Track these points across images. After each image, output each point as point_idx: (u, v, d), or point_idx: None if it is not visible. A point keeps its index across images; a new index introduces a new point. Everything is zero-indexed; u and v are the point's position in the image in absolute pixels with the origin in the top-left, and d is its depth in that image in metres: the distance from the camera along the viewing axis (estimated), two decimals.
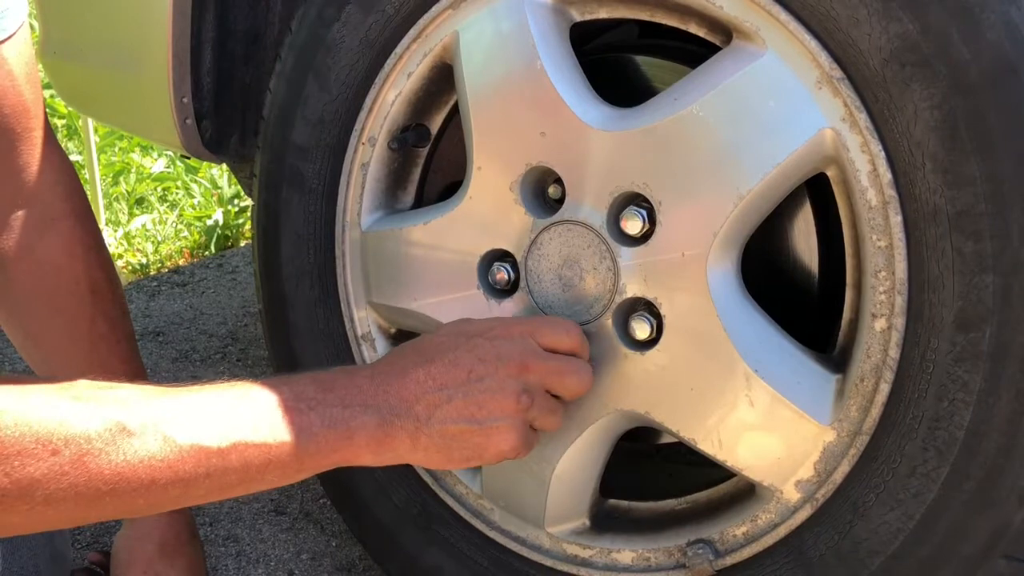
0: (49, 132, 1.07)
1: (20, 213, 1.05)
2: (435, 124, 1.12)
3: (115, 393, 0.73)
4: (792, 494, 0.90)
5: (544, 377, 0.88)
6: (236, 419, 0.76)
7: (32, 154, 1.04)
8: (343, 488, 1.19)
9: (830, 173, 0.87)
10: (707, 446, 0.92)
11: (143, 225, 2.57)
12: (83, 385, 0.73)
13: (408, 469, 1.14)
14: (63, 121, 3.17)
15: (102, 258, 1.11)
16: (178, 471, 0.72)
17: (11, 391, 0.68)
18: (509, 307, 1.02)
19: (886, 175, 0.81)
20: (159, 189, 2.86)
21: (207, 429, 0.74)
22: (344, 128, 1.11)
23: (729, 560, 0.94)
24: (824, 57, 0.82)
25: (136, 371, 1.13)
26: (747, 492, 0.95)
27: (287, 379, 0.81)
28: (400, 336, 1.16)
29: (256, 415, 0.77)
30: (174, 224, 2.60)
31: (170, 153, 2.92)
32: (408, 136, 1.11)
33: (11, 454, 0.66)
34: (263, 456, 0.76)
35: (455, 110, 1.10)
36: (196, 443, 0.73)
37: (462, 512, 1.11)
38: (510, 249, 1.01)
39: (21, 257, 1.06)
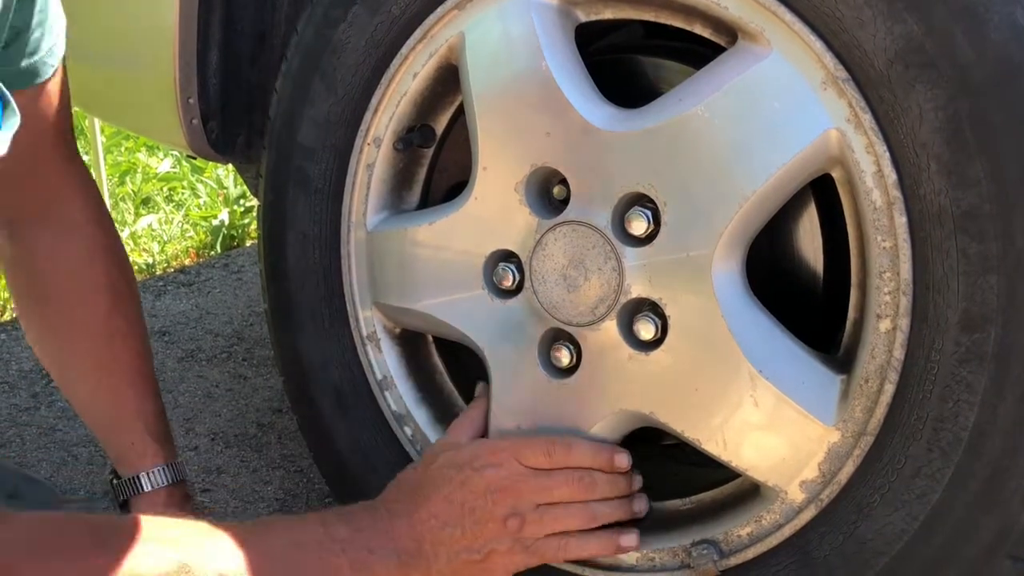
0: (73, 145, 1.11)
1: (44, 221, 1.09)
2: (440, 124, 1.12)
3: (175, 533, 0.82)
4: (797, 494, 0.90)
5: (533, 495, 0.94)
6: (285, 564, 0.87)
7: (57, 167, 1.08)
8: (350, 489, 1.19)
9: (835, 174, 0.87)
10: (712, 447, 0.92)
11: (149, 225, 2.58)
12: (151, 526, 0.81)
13: None
14: None
15: (120, 260, 1.15)
16: None
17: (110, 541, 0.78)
18: (514, 307, 1.02)
19: (891, 176, 0.81)
20: (165, 189, 2.87)
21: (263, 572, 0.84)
22: (350, 129, 1.12)
23: (734, 560, 0.94)
24: (829, 58, 0.82)
25: (145, 369, 1.14)
26: (751, 492, 0.95)
27: (322, 519, 0.91)
28: (405, 336, 1.16)
29: (300, 558, 0.88)
30: (180, 224, 2.61)
31: (176, 153, 2.93)
32: (413, 136, 1.11)
33: None
34: None
35: (460, 110, 1.10)
36: None
37: None
38: (515, 249, 1.01)
39: (45, 260, 1.10)
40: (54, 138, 1.07)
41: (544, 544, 0.95)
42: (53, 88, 1.04)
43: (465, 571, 0.93)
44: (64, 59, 1.04)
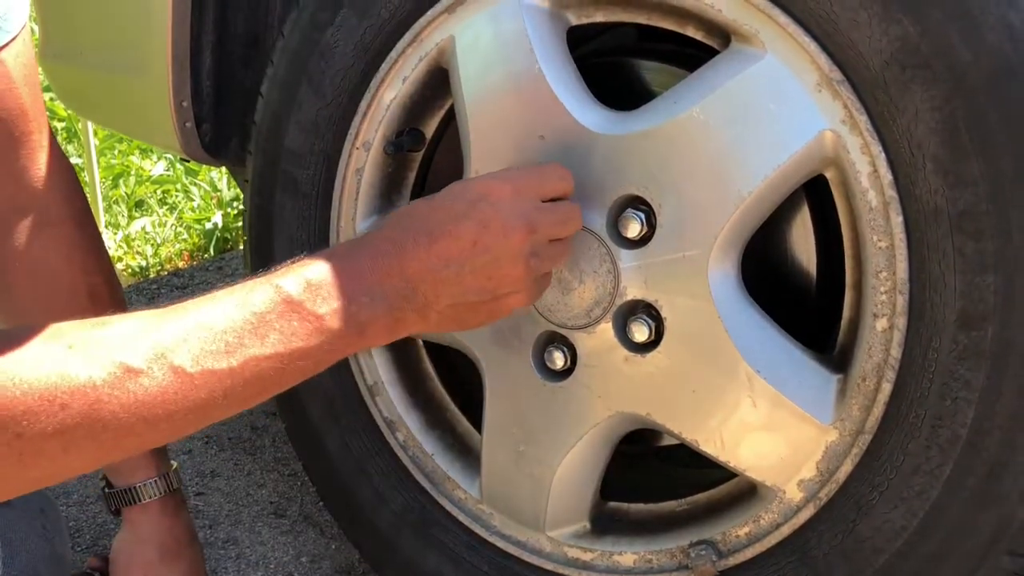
0: (50, 136, 1.05)
1: (18, 217, 1.04)
2: (430, 128, 1.12)
3: (111, 331, 0.70)
4: (795, 494, 0.90)
5: (550, 230, 0.85)
6: (243, 333, 0.72)
7: (30, 158, 1.02)
8: (340, 495, 1.18)
9: (829, 175, 0.87)
10: (710, 447, 0.92)
11: (143, 228, 2.56)
12: (72, 328, 0.69)
13: (406, 476, 1.14)
14: (63, 124, 3.15)
15: (101, 263, 1.10)
16: (194, 399, 0.70)
17: (2, 349, 0.66)
18: None
19: (887, 176, 0.81)
20: (158, 192, 2.85)
21: (215, 351, 0.71)
22: (338, 133, 1.11)
23: (732, 560, 0.95)
24: (823, 59, 0.82)
25: None
26: (749, 492, 0.96)
27: (286, 275, 0.76)
28: (395, 341, 1.15)
29: (263, 325, 0.73)
30: (173, 227, 2.60)
31: (169, 156, 2.91)
32: (403, 140, 1.10)
33: (18, 415, 0.64)
34: (277, 366, 0.73)
35: (450, 114, 1.10)
36: (206, 367, 0.70)
37: (461, 517, 1.11)
38: None
39: (19, 262, 1.04)
40: (18, 120, 1.00)
41: (544, 280, 0.90)
42: (8, 56, 0.97)
43: (471, 312, 0.84)
44: (27, 29, 0.99)
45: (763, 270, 0.98)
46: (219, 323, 0.72)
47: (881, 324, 0.84)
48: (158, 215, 2.69)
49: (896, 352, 0.83)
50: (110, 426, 0.67)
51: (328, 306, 0.76)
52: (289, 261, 0.79)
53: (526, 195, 0.84)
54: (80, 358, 0.67)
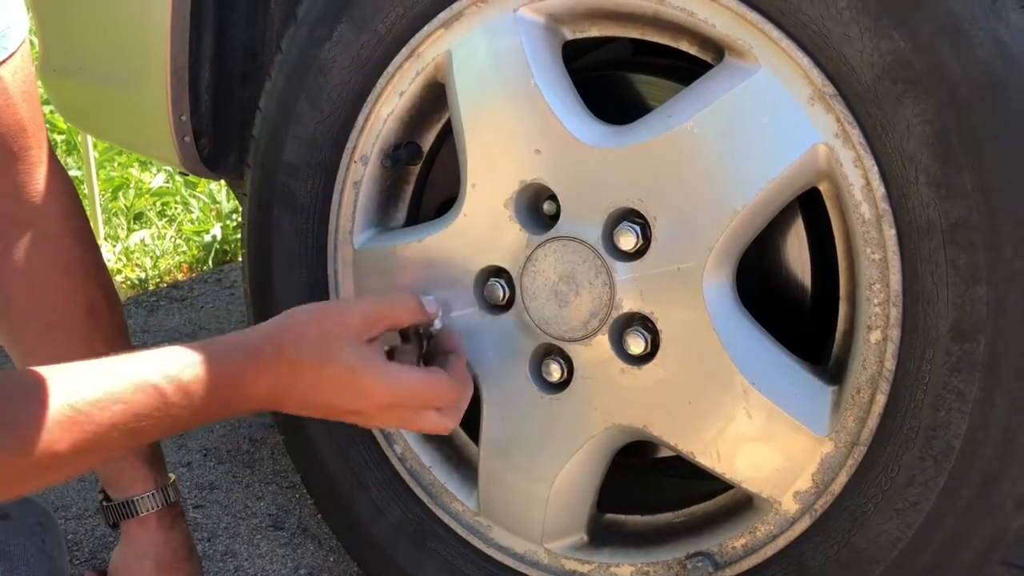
0: (49, 151, 1.06)
1: (18, 232, 1.05)
2: (427, 142, 1.13)
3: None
4: (791, 505, 0.91)
5: (419, 426, 0.92)
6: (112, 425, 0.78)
7: (29, 173, 1.03)
8: (338, 506, 1.19)
9: (822, 188, 0.88)
10: (705, 459, 0.93)
11: (142, 240, 2.57)
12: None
13: (403, 488, 1.14)
14: (62, 137, 3.16)
15: (101, 277, 1.11)
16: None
17: None
18: (504, 322, 1.02)
19: (879, 189, 0.82)
20: (158, 204, 2.86)
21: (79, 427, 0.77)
22: (336, 146, 1.12)
23: (729, 572, 0.95)
24: (816, 74, 0.83)
25: None
26: (745, 504, 0.96)
27: (160, 391, 0.80)
28: (394, 354, 1.16)
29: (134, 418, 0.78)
30: (172, 239, 2.60)
31: (169, 168, 2.92)
32: (401, 154, 1.11)
33: None
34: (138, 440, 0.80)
35: (447, 128, 1.10)
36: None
37: (459, 529, 1.11)
38: (505, 266, 1.01)
39: (18, 275, 1.05)
40: (17, 136, 1.01)
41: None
42: (6, 72, 0.98)
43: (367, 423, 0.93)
44: (27, 43, 1.00)
45: (758, 282, 0.99)
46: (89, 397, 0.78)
47: (875, 336, 0.85)
48: (157, 227, 2.70)
49: (890, 364, 0.84)
50: None
51: (204, 413, 0.82)
52: (173, 351, 0.84)
53: (405, 406, 0.90)
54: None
